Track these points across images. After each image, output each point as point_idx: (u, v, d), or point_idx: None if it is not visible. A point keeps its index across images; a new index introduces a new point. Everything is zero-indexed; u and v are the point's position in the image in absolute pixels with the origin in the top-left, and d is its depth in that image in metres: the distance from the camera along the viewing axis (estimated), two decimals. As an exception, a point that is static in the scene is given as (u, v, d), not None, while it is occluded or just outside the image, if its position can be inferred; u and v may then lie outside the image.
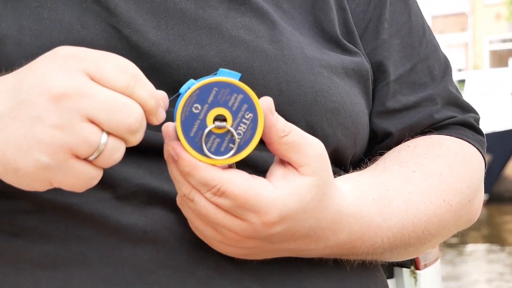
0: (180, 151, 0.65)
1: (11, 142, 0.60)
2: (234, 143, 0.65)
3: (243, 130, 0.65)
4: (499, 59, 27.94)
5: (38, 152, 0.60)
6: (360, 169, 0.83)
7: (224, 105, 0.65)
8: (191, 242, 0.72)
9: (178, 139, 0.66)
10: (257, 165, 0.74)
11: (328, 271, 0.79)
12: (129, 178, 0.72)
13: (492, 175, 12.21)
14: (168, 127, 0.67)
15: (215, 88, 0.65)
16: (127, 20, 0.75)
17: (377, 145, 0.90)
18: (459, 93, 0.95)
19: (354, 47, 0.86)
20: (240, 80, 0.67)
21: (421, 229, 0.80)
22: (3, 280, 0.72)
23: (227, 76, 0.65)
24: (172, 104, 0.69)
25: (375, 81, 0.89)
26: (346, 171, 0.85)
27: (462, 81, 14.19)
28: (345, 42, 0.86)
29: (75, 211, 0.71)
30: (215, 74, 0.66)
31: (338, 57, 0.83)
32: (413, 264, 1.49)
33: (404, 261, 1.49)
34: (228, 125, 0.65)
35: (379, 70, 0.89)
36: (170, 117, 0.69)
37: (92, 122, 0.60)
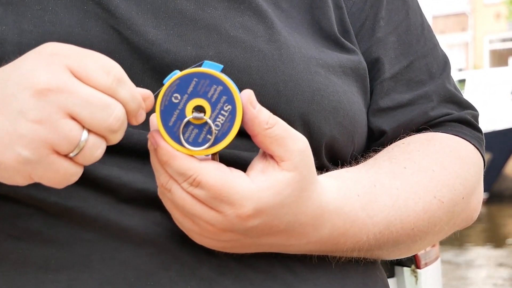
0: (158, 140, 0.66)
1: None
2: (211, 134, 0.66)
3: (221, 121, 0.66)
4: (499, 58, 27.91)
5: (20, 146, 0.60)
6: (351, 165, 0.83)
7: (204, 96, 0.65)
8: (193, 244, 0.72)
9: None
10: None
11: (329, 269, 0.79)
12: (130, 183, 0.72)
13: (492, 174, 12.20)
14: (154, 117, 0.67)
15: (195, 79, 0.65)
16: (127, 21, 0.75)
17: (373, 143, 0.90)
18: (458, 91, 0.94)
19: (351, 45, 0.87)
20: (222, 71, 0.67)
21: (410, 226, 0.80)
22: (6, 283, 0.73)
23: (209, 68, 0.66)
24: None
25: (371, 79, 0.89)
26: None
27: (462, 81, 14.19)
28: (343, 40, 0.86)
29: (78, 214, 0.72)
30: (200, 65, 0.67)
31: (336, 56, 0.84)
32: (413, 263, 1.49)
33: (404, 260, 1.49)
34: (206, 116, 0.65)
35: (374, 68, 0.89)
36: None
37: (74, 118, 0.60)
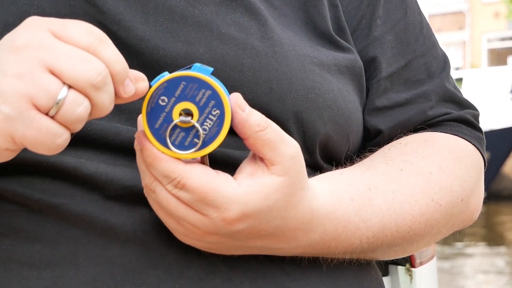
0: (144, 141, 0.66)
1: None
2: (199, 138, 0.65)
3: (209, 126, 0.65)
4: (498, 57, 27.94)
5: (0, 103, 0.59)
6: (347, 165, 0.83)
7: (192, 99, 0.65)
8: (182, 242, 0.71)
9: None
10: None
11: (322, 268, 0.78)
12: (117, 180, 0.72)
13: (490, 173, 12.21)
14: (141, 118, 0.67)
15: (183, 82, 0.65)
16: (115, 17, 0.75)
17: (369, 142, 0.89)
18: (458, 90, 0.93)
19: (347, 44, 0.86)
20: (212, 74, 0.66)
21: (405, 229, 0.79)
22: None
23: (199, 71, 0.65)
24: None
25: (367, 79, 0.88)
26: (340, 166, 0.84)
27: (459, 80, 14.19)
28: (338, 38, 0.85)
29: (63, 211, 0.71)
30: (189, 68, 0.66)
31: (330, 54, 0.83)
32: (408, 262, 1.49)
33: (399, 259, 1.49)
34: (194, 120, 0.65)
35: (371, 67, 0.88)
36: None
37: (53, 74, 0.59)
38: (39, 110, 0.59)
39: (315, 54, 0.81)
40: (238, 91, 0.74)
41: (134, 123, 0.72)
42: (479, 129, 0.92)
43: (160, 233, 0.72)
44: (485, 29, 28.39)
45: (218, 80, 0.68)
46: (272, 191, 0.67)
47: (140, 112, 0.67)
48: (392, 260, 1.50)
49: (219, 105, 0.65)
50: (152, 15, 0.76)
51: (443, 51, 0.95)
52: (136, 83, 0.64)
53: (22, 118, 0.59)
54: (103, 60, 0.61)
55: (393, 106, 0.88)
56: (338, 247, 0.76)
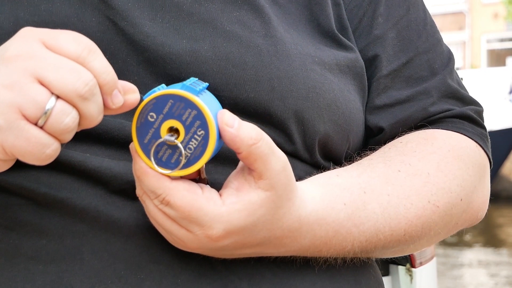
0: (133, 155, 0.66)
1: None
2: (183, 157, 0.66)
3: (194, 145, 0.65)
4: (497, 58, 27.97)
5: None
6: (346, 165, 0.82)
7: (178, 118, 0.65)
8: None
9: None
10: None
11: (320, 268, 0.78)
12: (121, 175, 0.72)
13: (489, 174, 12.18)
14: None
15: (170, 100, 0.65)
16: (123, 12, 0.75)
17: (372, 139, 0.89)
18: (461, 86, 0.92)
19: (349, 42, 0.86)
20: (208, 89, 0.67)
21: (400, 232, 0.79)
22: None
23: (188, 89, 0.65)
24: None
25: (369, 77, 0.88)
26: (340, 165, 0.84)
27: (459, 80, 14.18)
28: (341, 37, 0.85)
29: (68, 206, 0.71)
30: (184, 82, 0.67)
31: (332, 53, 0.83)
32: (408, 262, 1.49)
33: (399, 259, 1.49)
34: (180, 138, 0.65)
35: (372, 65, 0.88)
36: None
37: (42, 84, 0.60)
38: (28, 120, 0.60)
39: (316, 53, 0.81)
40: (240, 89, 0.74)
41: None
42: (482, 126, 0.91)
43: None
44: (484, 30, 28.42)
45: (210, 95, 0.68)
46: (256, 207, 0.67)
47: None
48: (392, 259, 1.50)
49: (204, 126, 0.65)
50: (160, 12, 0.76)
51: (448, 48, 0.94)
52: (126, 94, 0.64)
53: (11, 128, 0.59)
54: (92, 71, 0.61)
55: (394, 104, 0.87)
56: (330, 250, 0.76)
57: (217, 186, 0.70)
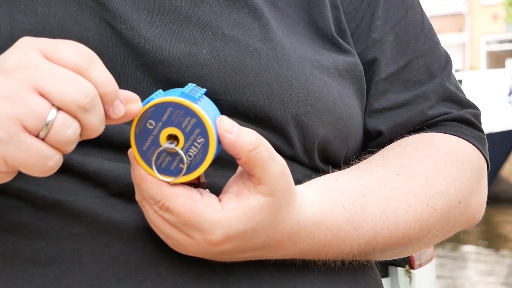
0: (133, 161, 0.66)
1: None
2: (184, 164, 0.66)
3: (194, 153, 0.65)
4: (496, 60, 27.96)
5: None
6: (345, 168, 0.83)
7: (178, 126, 0.65)
8: None
9: None
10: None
11: (319, 270, 0.79)
12: (120, 177, 0.72)
13: (488, 176, 12.14)
14: None
15: (169, 108, 0.65)
16: (121, 16, 0.75)
17: (370, 142, 0.89)
18: (459, 90, 0.92)
19: (348, 46, 0.86)
20: (207, 93, 0.67)
21: (399, 235, 0.79)
22: None
23: (187, 96, 0.65)
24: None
25: (367, 81, 0.88)
26: (339, 168, 0.84)
27: (459, 82, 14.18)
28: (340, 40, 0.85)
29: (67, 208, 0.71)
30: (183, 88, 0.67)
31: (331, 57, 0.83)
32: (407, 263, 1.49)
33: (398, 260, 1.49)
34: (179, 146, 0.65)
35: (370, 69, 0.88)
36: None
37: (42, 95, 0.59)
38: (29, 132, 0.59)
39: (315, 57, 0.81)
40: (239, 93, 0.74)
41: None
42: (479, 129, 0.91)
43: None
44: (484, 32, 28.41)
45: (209, 101, 0.68)
46: (256, 212, 0.67)
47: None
48: (392, 261, 1.51)
49: (204, 133, 0.65)
50: (158, 15, 0.76)
51: (446, 51, 0.94)
52: (128, 104, 0.64)
53: (13, 140, 0.59)
54: (92, 81, 0.61)
55: (392, 107, 0.87)
56: (329, 253, 0.76)
57: (218, 189, 0.70)
